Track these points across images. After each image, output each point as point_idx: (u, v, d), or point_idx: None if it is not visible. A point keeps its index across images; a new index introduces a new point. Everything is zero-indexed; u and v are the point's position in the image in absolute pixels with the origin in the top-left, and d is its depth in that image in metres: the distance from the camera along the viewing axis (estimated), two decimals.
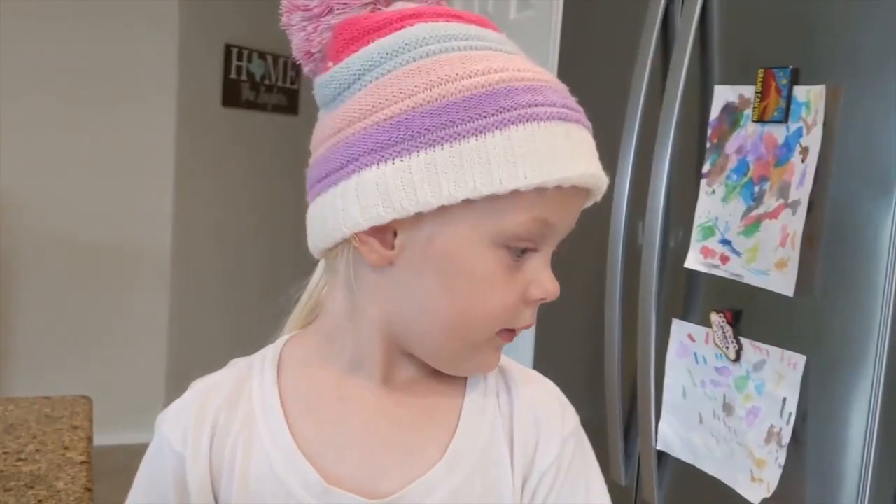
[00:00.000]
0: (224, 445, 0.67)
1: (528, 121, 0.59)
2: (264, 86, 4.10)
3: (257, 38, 4.02)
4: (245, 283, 4.14)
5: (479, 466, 0.65)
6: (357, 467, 0.65)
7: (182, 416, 0.71)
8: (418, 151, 0.58)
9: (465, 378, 0.69)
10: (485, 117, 0.58)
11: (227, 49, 3.88)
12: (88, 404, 1.40)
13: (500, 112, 0.58)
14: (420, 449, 0.66)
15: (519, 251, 0.61)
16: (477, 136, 0.58)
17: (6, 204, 3.44)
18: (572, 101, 0.63)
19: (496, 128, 0.58)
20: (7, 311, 3.51)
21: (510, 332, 0.65)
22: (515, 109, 0.59)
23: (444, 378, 0.68)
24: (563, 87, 0.63)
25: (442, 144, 0.58)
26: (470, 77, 0.59)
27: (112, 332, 3.66)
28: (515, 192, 0.58)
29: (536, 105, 0.59)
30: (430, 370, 0.68)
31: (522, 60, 0.63)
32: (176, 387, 3.49)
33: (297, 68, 4.60)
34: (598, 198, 0.65)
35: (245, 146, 4.04)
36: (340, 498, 0.63)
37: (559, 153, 0.59)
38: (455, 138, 0.58)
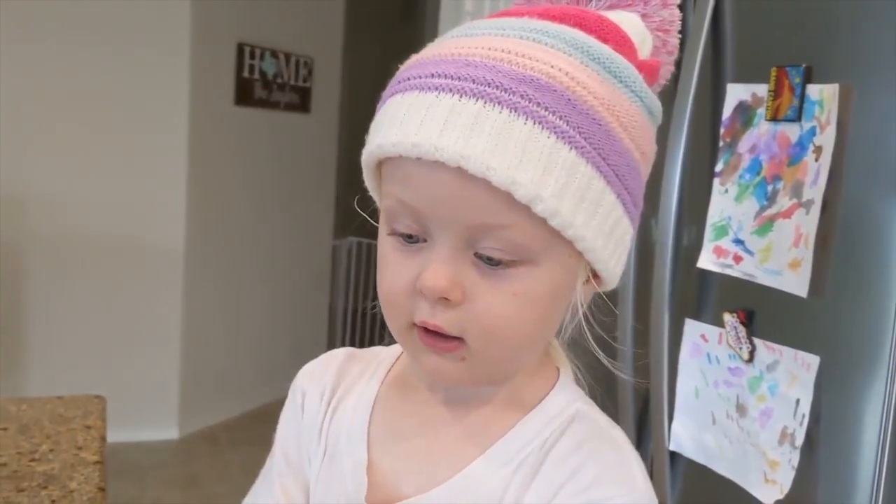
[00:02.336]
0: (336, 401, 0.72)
1: (403, 92, 0.58)
2: (276, 84, 4.11)
3: (269, 37, 4.03)
4: (257, 280, 4.16)
5: None
6: (385, 471, 0.66)
7: (315, 365, 0.76)
8: None
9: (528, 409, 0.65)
10: (386, 91, 0.60)
11: (240, 48, 3.89)
12: (101, 404, 1.41)
13: (392, 86, 0.59)
14: (440, 464, 0.64)
15: (405, 237, 0.58)
16: (378, 108, 0.60)
17: (20, 202, 3.46)
18: (483, 72, 0.55)
19: (384, 101, 0.60)
20: (20, 310, 3.53)
21: (425, 333, 0.59)
22: (402, 82, 0.58)
23: (504, 400, 0.65)
24: (478, 61, 0.55)
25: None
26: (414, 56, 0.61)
27: (126, 330, 3.68)
28: (386, 166, 0.59)
29: (418, 77, 0.57)
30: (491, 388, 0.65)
31: (494, 41, 0.57)
32: (190, 384, 3.55)
33: (308, 66, 4.64)
34: (488, 176, 0.53)
35: (258, 144, 4.05)
36: (345, 487, 0.67)
37: (397, 122, 0.56)
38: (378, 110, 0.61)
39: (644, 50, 0.64)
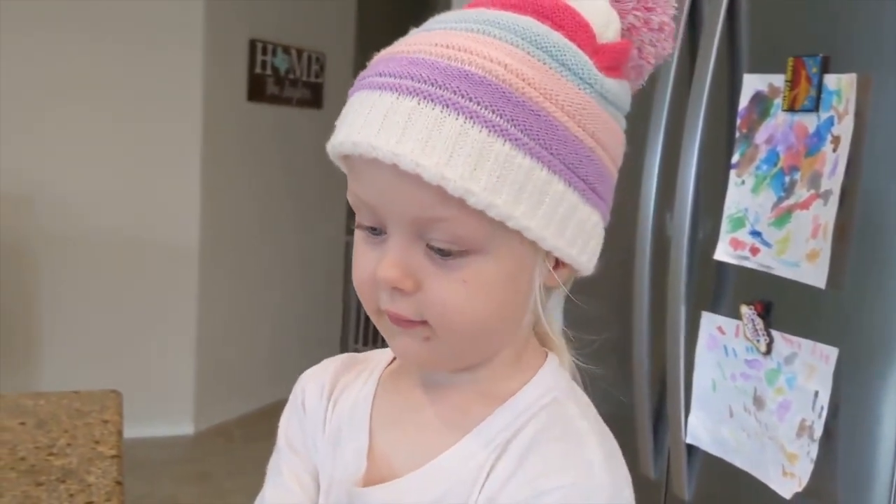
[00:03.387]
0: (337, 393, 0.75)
1: (358, 90, 0.61)
2: (289, 80, 4.11)
3: (281, 33, 4.04)
4: (271, 276, 4.17)
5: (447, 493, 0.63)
6: (381, 455, 0.69)
7: (315, 369, 0.79)
8: None
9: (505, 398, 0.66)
10: (351, 90, 0.62)
11: (252, 44, 3.90)
12: (118, 398, 1.42)
13: (355, 84, 0.62)
14: (423, 450, 0.66)
15: (370, 229, 0.61)
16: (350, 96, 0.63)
17: (35, 200, 3.48)
18: (420, 69, 0.57)
19: (348, 98, 0.62)
20: (37, 307, 3.55)
21: (396, 317, 0.61)
22: (362, 80, 0.61)
23: (484, 390, 0.66)
24: (418, 59, 0.57)
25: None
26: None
27: (141, 326, 3.69)
28: (346, 168, 0.62)
29: (369, 76, 0.60)
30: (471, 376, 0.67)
31: (441, 35, 0.60)
32: (205, 379, 3.56)
33: (320, 62, 4.63)
34: (419, 173, 0.54)
35: (270, 140, 4.06)
36: (347, 471, 0.70)
37: (347, 121, 0.59)
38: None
39: (608, 33, 0.63)
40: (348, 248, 4.66)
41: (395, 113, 0.56)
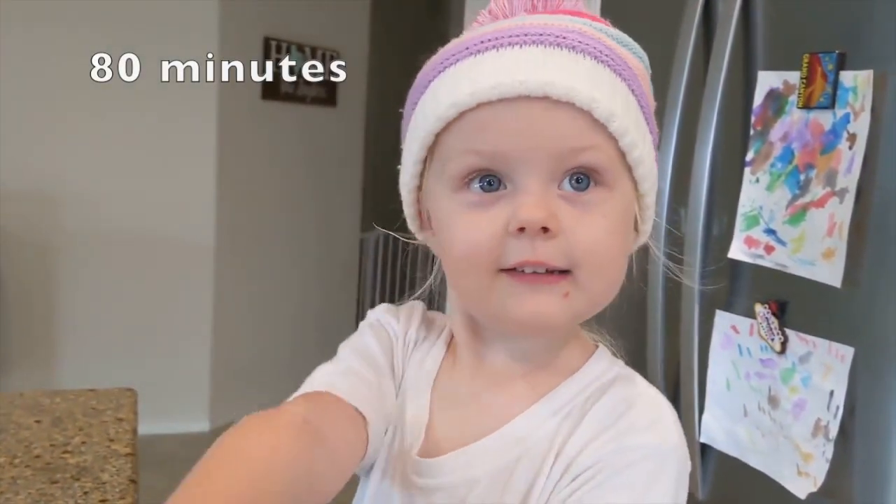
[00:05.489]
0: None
1: (453, 64, 0.62)
2: (303, 78, 4.11)
3: (296, 31, 4.04)
4: (287, 273, 4.18)
5: (512, 466, 0.64)
6: (437, 430, 0.69)
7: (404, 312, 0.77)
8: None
9: (564, 375, 0.67)
10: (438, 65, 0.63)
11: (266, 42, 3.90)
12: (133, 396, 1.42)
13: (438, 64, 0.63)
14: (489, 421, 0.67)
15: (483, 185, 0.60)
16: (419, 90, 0.65)
17: (52, 198, 3.51)
18: (531, 28, 0.60)
19: (433, 77, 0.63)
20: (53, 305, 3.58)
21: (522, 274, 0.60)
22: (450, 57, 0.62)
23: (549, 365, 0.67)
24: (529, 25, 0.61)
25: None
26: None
27: (158, 323, 3.71)
28: (448, 134, 0.61)
29: (468, 48, 0.61)
30: (524, 361, 0.68)
31: (516, 23, 0.63)
32: (221, 376, 3.58)
33: (335, 60, 4.60)
34: (571, 97, 0.57)
35: (285, 139, 4.07)
36: (405, 440, 0.69)
37: (471, 77, 0.60)
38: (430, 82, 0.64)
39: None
40: (363, 245, 4.69)
41: (525, 59, 0.59)
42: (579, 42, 0.60)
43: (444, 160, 0.62)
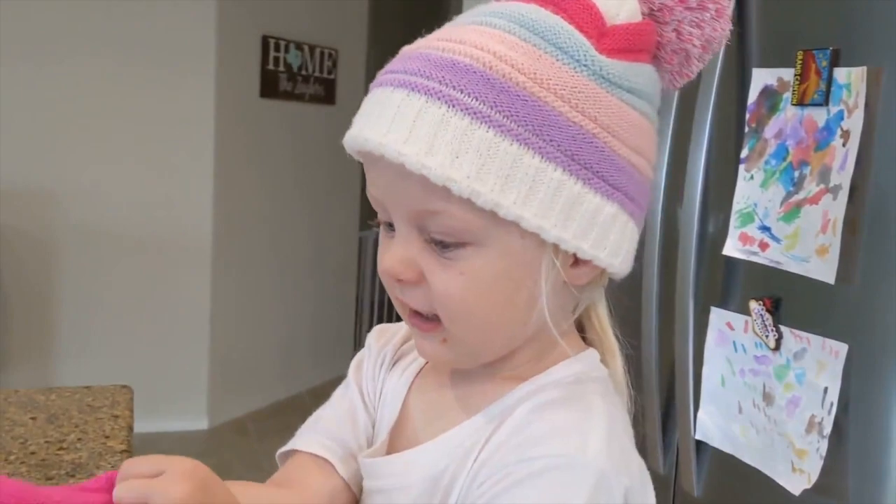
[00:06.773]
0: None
1: (371, 89, 0.63)
2: (301, 76, 4.11)
3: (294, 29, 4.04)
4: (286, 271, 4.18)
5: (441, 477, 0.64)
6: (403, 431, 0.72)
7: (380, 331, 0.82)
8: None
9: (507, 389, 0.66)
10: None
11: (265, 40, 3.90)
12: (129, 394, 1.42)
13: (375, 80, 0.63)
14: (437, 427, 0.68)
15: (387, 225, 0.63)
16: None
17: (50, 196, 3.51)
18: (415, 63, 0.58)
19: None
20: (50, 302, 3.58)
21: (412, 314, 0.63)
22: (376, 79, 0.63)
23: (506, 377, 0.66)
24: (417, 53, 0.59)
25: None
26: None
27: (155, 321, 3.71)
28: None
29: (383, 73, 0.62)
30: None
31: (449, 30, 0.61)
32: (219, 375, 3.58)
33: (333, 58, 4.61)
34: (402, 162, 0.55)
35: (283, 136, 4.07)
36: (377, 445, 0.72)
37: (357, 119, 0.61)
38: None
39: (621, 14, 0.61)
40: (361, 244, 4.70)
41: (385, 106, 0.58)
42: (442, 80, 0.55)
43: None
